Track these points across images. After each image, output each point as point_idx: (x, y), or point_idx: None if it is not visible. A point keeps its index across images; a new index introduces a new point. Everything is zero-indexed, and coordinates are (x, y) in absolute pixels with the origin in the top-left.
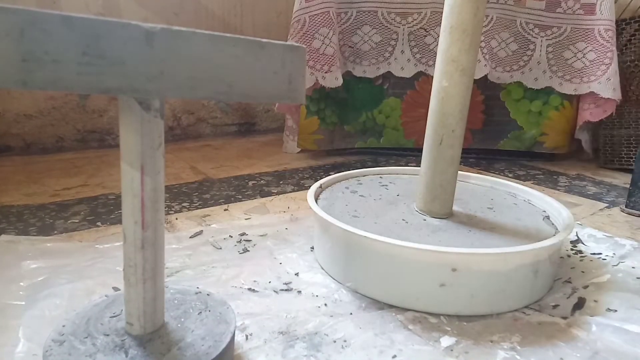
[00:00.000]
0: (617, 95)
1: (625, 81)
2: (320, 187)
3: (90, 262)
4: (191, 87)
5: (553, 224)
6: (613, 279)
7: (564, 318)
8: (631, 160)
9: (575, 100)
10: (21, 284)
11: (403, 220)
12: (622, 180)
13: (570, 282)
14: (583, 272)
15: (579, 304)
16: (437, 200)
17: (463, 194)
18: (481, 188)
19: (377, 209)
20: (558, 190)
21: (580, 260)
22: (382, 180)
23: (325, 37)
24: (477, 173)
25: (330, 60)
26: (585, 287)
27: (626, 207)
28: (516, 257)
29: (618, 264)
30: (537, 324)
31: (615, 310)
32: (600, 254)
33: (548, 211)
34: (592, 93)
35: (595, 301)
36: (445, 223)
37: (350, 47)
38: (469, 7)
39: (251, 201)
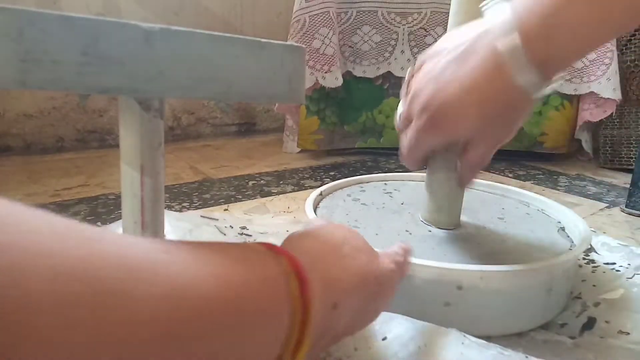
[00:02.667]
0: (617, 95)
1: (625, 81)
2: (321, 194)
3: None
4: (191, 87)
5: (568, 236)
6: (627, 295)
7: (572, 338)
8: (631, 160)
9: (575, 100)
10: None
11: (406, 231)
12: (622, 180)
13: (580, 297)
14: (594, 285)
15: (589, 324)
16: (444, 210)
17: (472, 203)
18: (492, 196)
19: (380, 219)
20: (558, 190)
21: (593, 272)
22: (386, 187)
23: (325, 37)
24: (481, 175)
25: (330, 60)
26: (597, 304)
27: (626, 207)
28: (527, 275)
29: (633, 276)
30: (542, 341)
31: (628, 333)
32: (614, 264)
33: (563, 222)
34: (592, 93)
35: (606, 322)
36: (452, 235)
37: (350, 47)
38: (476, 5)
39: (251, 201)
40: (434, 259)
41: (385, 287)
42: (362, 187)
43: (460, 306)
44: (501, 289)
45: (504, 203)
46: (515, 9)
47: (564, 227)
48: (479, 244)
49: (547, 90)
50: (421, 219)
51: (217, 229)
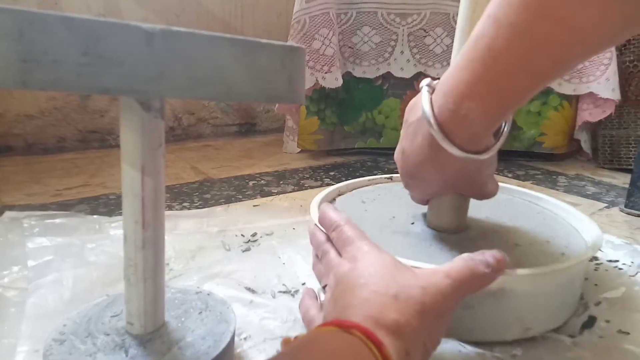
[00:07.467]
0: (616, 96)
1: (624, 81)
2: (334, 198)
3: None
4: (191, 87)
5: (579, 241)
6: (628, 294)
7: (571, 337)
8: (630, 160)
9: (574, 100)
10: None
11: (411, 234)
12: (621, 180)
13: (582, 297)
14: (596, 284)
15: (589, 323)
16: (450, 213)
17: (481, 205)
18: (502, 198)
19: (386, 221)
20: (557, 190)
21: (595, 270)
22: (395, 188)
23: (325, 37)
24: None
25: (330, 60)
26: (598, 303)
27: (625, 207)
28: (533, 280)
29: (636, 274)
30: (541, 339)
31: (628, 333)
32: (617, 261)
33: (575, 226)
34: (591, 93)
35: (606, 321)
36: (459, 238)
37: (350, 47)
38: (485, 6)
39: (251, 201)
40: (439, 261)
41: (443, 306)
42: (372, 188)
43: (459, 310)
44: (502, 294)
45: (514, 206)
46: (432, 105)
47: (575, 231)
48: (486, 248)
49: (495, 149)
50: (428, 224)
51: (222, 244)
